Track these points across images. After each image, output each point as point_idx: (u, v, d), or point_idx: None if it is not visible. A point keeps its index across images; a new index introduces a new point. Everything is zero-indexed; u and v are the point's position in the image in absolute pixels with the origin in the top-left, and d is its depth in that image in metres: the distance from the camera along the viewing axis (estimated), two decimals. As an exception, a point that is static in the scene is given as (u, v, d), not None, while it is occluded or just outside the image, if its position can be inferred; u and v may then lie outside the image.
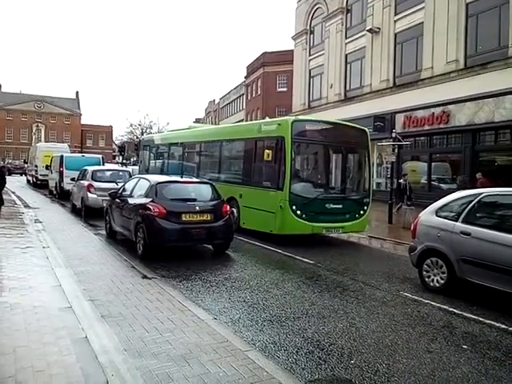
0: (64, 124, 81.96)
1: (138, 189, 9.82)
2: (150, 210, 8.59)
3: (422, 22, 20.40)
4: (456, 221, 6.79)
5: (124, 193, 10.37)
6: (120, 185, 12.08)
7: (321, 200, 10.90)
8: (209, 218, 8.89)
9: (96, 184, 14.57)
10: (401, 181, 17.06)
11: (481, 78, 17.09)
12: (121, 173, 16.25)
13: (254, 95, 46.43)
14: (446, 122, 18.70)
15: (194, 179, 11.01)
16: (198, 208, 8.85)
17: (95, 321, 4.93)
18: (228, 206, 9.65)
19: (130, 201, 9.72)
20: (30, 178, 31.36)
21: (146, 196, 9.08)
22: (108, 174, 15.85)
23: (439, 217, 7.14)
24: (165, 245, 8.80)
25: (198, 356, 4.13)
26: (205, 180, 11.33)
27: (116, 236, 10.78)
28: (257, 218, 11.44)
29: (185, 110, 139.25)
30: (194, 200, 9.08)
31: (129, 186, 10.52)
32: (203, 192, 9.54)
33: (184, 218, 8.62)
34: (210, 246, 9.88)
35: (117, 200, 10.45)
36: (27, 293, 5.79)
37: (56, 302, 5.48)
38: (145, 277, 7.04)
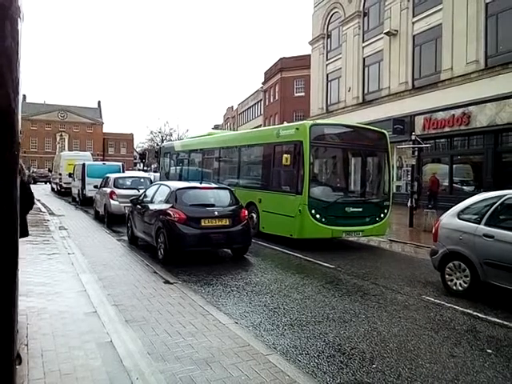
0: (87, 133, 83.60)
1: (158, 195, 10.00)
2: (170, 215, 8.75)
3: (441, 24, 20.22)
4: (479, 223, 6.69)
5: (145, 199, 10.55)
6: (142, 191, 12.25)
7: (340, 204, 10.87)
8: (227, 223, 9.01)
9: (118, 191, 14.81)
10: None
11: (502, 78, 16.83)
12: (142, 179, 16.52)
13: (271, 101, 46.59)
14: (467, 124, 18.44)
15: (213, 185, 11.04)
16: (216, 213, 8.99)
17: (119, 325, 5.03)
18: (246, 211, 9.75)
19: (151, 207, 9.88)
20: (54, 186, 32.06)
21: (167, 202, 9.26)
22: (130, 181, 16.11)
23: (461, 219, 7.04)
24: (185, 250, 8.92)
25: (220, 360, 4.18)
26: (223, 186, 11.42)
27: (138, 242, 10.94)
28: (276, 222, 11.47)
29: (204, 116, 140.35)
30: (213, 205, 9.23)
31: (150, 192, 10.70)
32: (222, 197, 9.70)
33: (203, 223, 8.77)
34: (229, 251, 9.96)
35: (138, 206, 10.63)
36: (53, 298, 5.94)
37: (81, 306, 5.62)
38: (167, 282, 7.14)
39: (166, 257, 8.79)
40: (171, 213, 8.76)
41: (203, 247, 9.12)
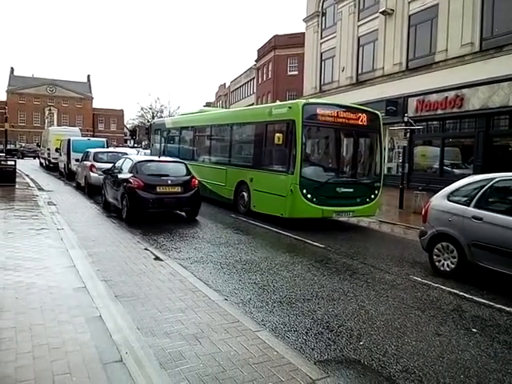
0: (76, 107, 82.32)
1: (124, 166, 11.75)
2: (131, 183, 10.61)
3: (437, 4, 19.95)
4: (468, 205, 6.75)
5: (115, 170, 12.22)
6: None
7: (331, 184, 10.86)
8: (179, 190, 10.93)
9: (97, 164, 16.08)
10: None
11: (496, 61, 16.75)
12: (120, 154, 17.41)
13: (264, 79, 46.05)
14: (460, 107, 18.43)
15: (169, 159, 12.69)
16: (169, 182, 10.87)
17: (109, 300, 5.03)
18: (196, 181, 11.46)
19: (119, 176, 11.57)
20: (42, 161, 31.69)
21: (130, 172, 11.01)
22: (108, 155, 17.40)
23: (451, 201, 7.09)
24: (143, 211, 10.69)
25: (210, 335, 4.20)
26: (178, 160, 12.70)
27: (110, 207, 12.46)
28: (267, 201, 11.47)
29: (195, 94, 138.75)
30: (167, 175, 11.03)
31: (118, 164, 12.40)
32: (176, 169, 11.48)
33: (158, 190, 10.65)
34: (221, 233, 10.02)
35: (109, 176, 12.41)
36: (42, 273, 5.91)
37: (70, 282, 5.59)
38: (157, 258, 7.14)
39: (127, 216, 10.65)
40: (132, 181, 10.63)
41: (158, 209, 10.97)
